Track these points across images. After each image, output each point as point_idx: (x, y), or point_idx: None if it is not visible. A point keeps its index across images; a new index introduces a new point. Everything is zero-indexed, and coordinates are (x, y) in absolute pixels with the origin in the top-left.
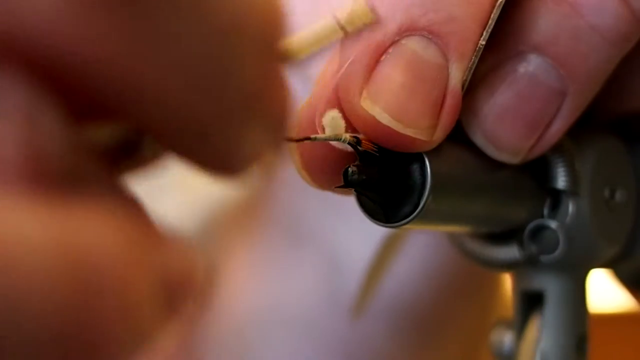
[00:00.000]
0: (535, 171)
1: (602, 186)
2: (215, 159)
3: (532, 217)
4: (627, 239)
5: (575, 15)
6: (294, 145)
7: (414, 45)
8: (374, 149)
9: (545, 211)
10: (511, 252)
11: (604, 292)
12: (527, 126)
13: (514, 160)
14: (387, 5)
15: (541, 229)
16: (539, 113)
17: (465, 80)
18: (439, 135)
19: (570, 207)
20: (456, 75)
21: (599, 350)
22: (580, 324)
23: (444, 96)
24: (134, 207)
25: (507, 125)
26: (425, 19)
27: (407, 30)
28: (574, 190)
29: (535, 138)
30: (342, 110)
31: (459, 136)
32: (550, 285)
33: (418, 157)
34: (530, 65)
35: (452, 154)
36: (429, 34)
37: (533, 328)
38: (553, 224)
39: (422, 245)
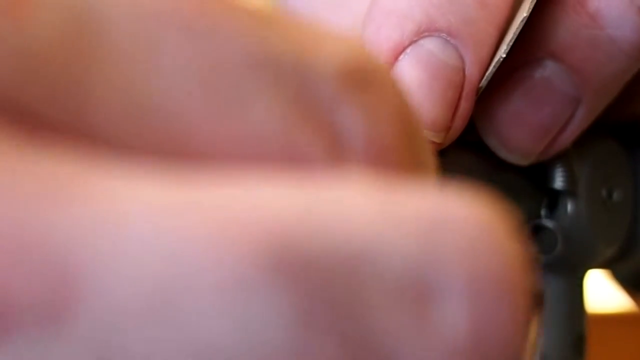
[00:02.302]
0: (533, 171)
1: (600, 187)
2: None
3: (529, 217)
4: (625, 240)
5: (594, 25)
6: None
7: (431, 46)
8: None
9: (543, 211)
10: None
11: (602, 292)
12: (540, 131)
13: (524, 162)
14: (405, 5)
15: (539, 229)
16: (552, 118)
17: (481, 87)
18: (450, 138)
19: (568, 208)
20: (472, 78)
21: (597, 351)
22: (579, 324)
23: (459, 99)
24: None
25: (520, 128)
26: (443, 21)
27: (425, 31)
28: (571, 190)
29: (547, 142)
30: None
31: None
32: (548, 285)
33: None
34: (546, 71)
35: (449, 154)
36: (447, 35)
37: (531, 328)
38: (551, 224)
39: None
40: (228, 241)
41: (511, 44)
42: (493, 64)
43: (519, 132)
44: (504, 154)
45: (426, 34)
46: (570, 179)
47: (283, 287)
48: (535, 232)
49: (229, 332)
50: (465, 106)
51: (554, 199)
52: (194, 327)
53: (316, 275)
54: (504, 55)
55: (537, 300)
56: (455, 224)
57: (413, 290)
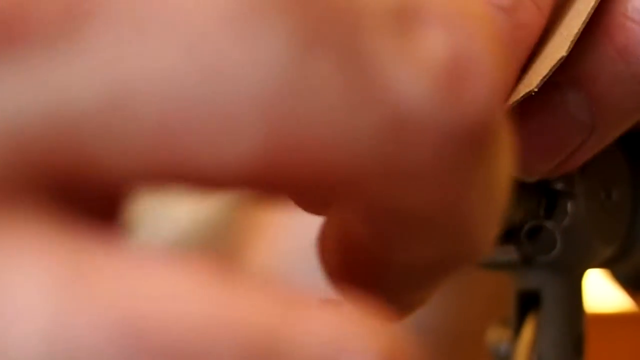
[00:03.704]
0: None
1: (598, 187)
2: None
3: (528, 218)
4: (624, 239)
5: (620, 61)
6: None
7: None
8: None
9: (542, 212)
10: (508, 252)
11: (601, 292)
12: (550, 153)
13: (528, 179)
14: None
15: (538, 229)
16: (564, 143)
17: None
18: None
19: (567, 208)
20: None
21: (596, 351)
22: (577, 324)
23: None
24: None
25: (531, 149)
26: None
27: None
28: (570, 190)
29: (555, 164)
30: None
31: None
32: (547, 285)
33: None
34: (565, 98)
35: None
36: None
37: (530, 328)
38: (549, 225)
39: None
40: None
41: (545, 79)
42: (521, 94)
43: (529, 152)
44: None
45: None
46: (569, 179)
47: (286, 10)
48: (534, 232)
49: (237, 50)
50: None
51: (552, 200)
52: (204, 45)
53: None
54: (536, 89)
55: (535, 300)
56: None
57: (398, 12)
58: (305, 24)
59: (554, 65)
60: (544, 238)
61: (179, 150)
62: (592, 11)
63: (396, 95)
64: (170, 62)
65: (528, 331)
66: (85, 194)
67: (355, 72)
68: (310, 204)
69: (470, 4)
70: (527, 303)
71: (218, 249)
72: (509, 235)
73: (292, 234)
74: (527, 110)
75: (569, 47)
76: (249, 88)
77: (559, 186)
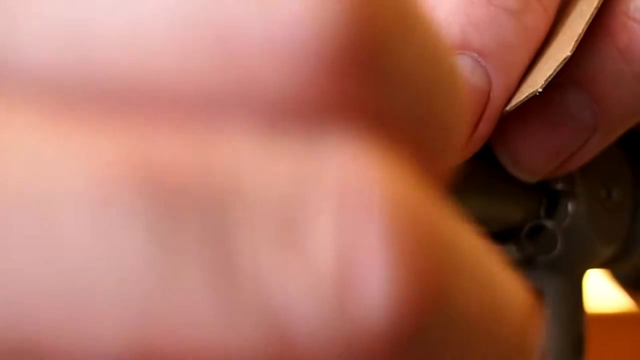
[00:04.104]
0: None
1: (598, 186)
2: None
3: (529, 218)
4: (624, 239)
5: (622, 61)
6: None
7: (461, 64)
8: None
9: (542, 211)
10: (509, 252)
11: (601, 292)
12: (552, 154)
13: (531, 179)
14: (443, 19)
15: (538, 229)
16: (566, 143)
17: (505, 112)
18: (462, 157)
19: (567, 208)
20: (496, 102)
21: (596, 351)
22: (578, 324)
23: (479, 121)
24: None
25: (533, 150)
26: (479, 41)
27: (459, 49)
28: (570, 190)
29: (557, 164)
30: None
31: None
32: (547, 285)
33: None
34: (567, 98)
35: None
36: (479, 56)
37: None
38: (550, 224)
39: None
40: (98, 162)
41: (549, 79)
42: (525, 95)
43: (532, 153)
44: (512, 169)
45: (458, 51)
46: (570, 179)
47: (139, 204)
48: (535, 232)
49: (91, 242)
50: (484, 129)
51: (553, 199)
52: (59, 235)
53: (173, 198)
54: (540, 90)
55: (537, 300)
56: (331, 170)
57: (282, 206)
58: (164, 219)
59: (558, 66)
60: (544, 238)
61: (44, 337)
62: (596, 11)
63: (277, 306)
64: (29, 257)
65: None
66: None
67: (226, 277)
68: None
69: (375, 175)
70: None
71: None
72: (510, 235)
73: None
74: (528, 110)
75: (573, 47)
76: (108, 287)
77: (560, 186)
